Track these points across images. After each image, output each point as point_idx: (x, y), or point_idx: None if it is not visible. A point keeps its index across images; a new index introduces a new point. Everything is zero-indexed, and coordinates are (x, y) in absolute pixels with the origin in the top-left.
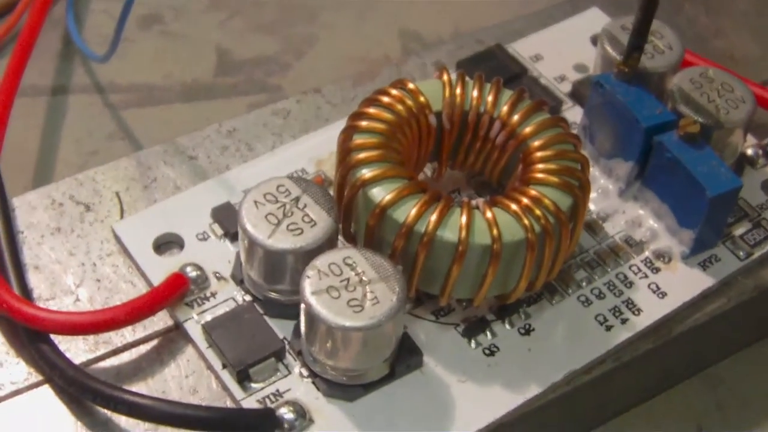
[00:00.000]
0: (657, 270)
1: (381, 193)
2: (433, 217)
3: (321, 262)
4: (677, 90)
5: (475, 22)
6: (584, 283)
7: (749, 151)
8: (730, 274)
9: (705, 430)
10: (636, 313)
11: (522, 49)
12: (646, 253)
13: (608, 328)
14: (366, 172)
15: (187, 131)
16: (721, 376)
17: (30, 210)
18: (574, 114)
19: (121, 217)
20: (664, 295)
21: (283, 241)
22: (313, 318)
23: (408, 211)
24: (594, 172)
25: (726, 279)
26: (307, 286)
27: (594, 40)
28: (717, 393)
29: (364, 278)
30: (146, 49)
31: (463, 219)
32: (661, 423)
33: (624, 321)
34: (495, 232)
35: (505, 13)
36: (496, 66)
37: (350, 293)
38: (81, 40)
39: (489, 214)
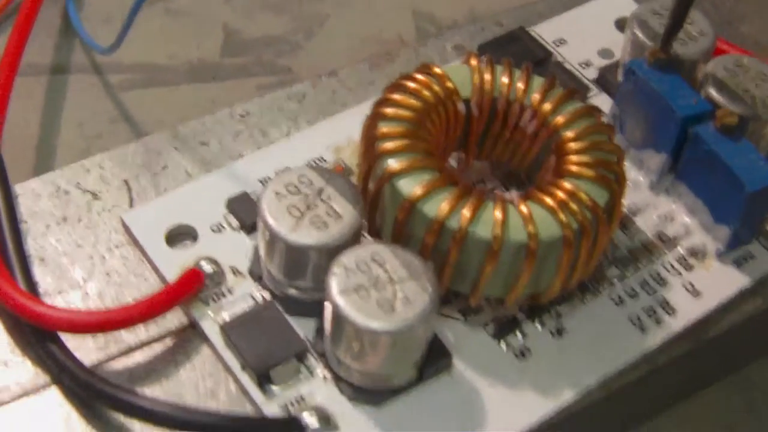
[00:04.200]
0: (691, 267)
1: (410, 186)
2: (466, 212)
3: (348, 258)
4: (711, 78)
5: (491, 4)
6: (616, 281)
7: None
8: (766, 273)
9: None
10: (671, 313)
11: (544, 32)
12: (680, 250)
13: (643, 330)
14: (394, 163)
15: (193, 114)
16: (753, 378)
17: (34, 198)
18: (600, 102)
19: (131, 206)
20: (699, 294)
21: (306, 236)
22: (340, 319)
23: (439, 206)
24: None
25: (762, 278)
26: (334, 284)
27: (618, 24)
28: (748, 395)
29: (393, 276)
30: (150, 28)
31: (498, 214)
32: (691, 426)
33: (659, 322)
34: (531, 228)
35: None
36: (519, 50)
37: (379, 293)
38: (84, 29)
39: (524, 209)
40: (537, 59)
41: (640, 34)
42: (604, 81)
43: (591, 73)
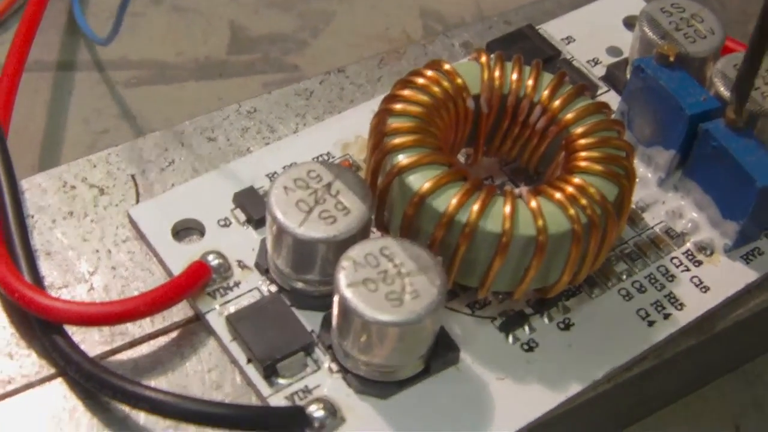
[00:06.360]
0: (699, 263)
1: (419, 181)
2: (476, 207)
3: (356, 252)
4: (721, 76)
5: (498, 2)
6: (625, 276)
7: None
8: None
9: (742, 427)
10: (678, 307)
11: (553, 30)
12: (688, 246)
13: (650, 324)
14: (403, 158)
15: (199, 111)
16: (758, 373)
17: (40, 193)
18: (609, 99)
19: (137, 201)
20: (706, 289)
21: (315, 230)
22: (348, 312)
23: (448, 200)
24: None
25: None
26: (343, 277)
27: (627, 22)
28: (754, 389)
29: (402, 270)
30: (157, 25)
31: (507, 209)
32: (698, 420)
33: (666, 316)
34: (540, 222)
35: None
36: (528, 48)
37: (388, 286)
38: (84, 21)
39: (534, 204)
40: (545, 57)
41: (649, 32)
42: (612, 78)
43: (599, 71)
